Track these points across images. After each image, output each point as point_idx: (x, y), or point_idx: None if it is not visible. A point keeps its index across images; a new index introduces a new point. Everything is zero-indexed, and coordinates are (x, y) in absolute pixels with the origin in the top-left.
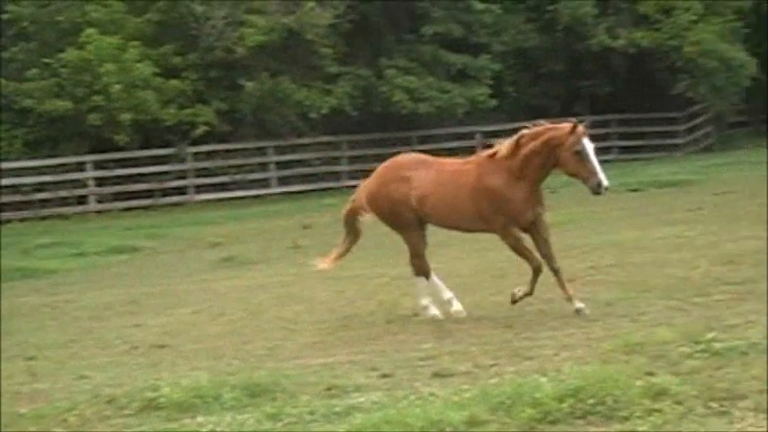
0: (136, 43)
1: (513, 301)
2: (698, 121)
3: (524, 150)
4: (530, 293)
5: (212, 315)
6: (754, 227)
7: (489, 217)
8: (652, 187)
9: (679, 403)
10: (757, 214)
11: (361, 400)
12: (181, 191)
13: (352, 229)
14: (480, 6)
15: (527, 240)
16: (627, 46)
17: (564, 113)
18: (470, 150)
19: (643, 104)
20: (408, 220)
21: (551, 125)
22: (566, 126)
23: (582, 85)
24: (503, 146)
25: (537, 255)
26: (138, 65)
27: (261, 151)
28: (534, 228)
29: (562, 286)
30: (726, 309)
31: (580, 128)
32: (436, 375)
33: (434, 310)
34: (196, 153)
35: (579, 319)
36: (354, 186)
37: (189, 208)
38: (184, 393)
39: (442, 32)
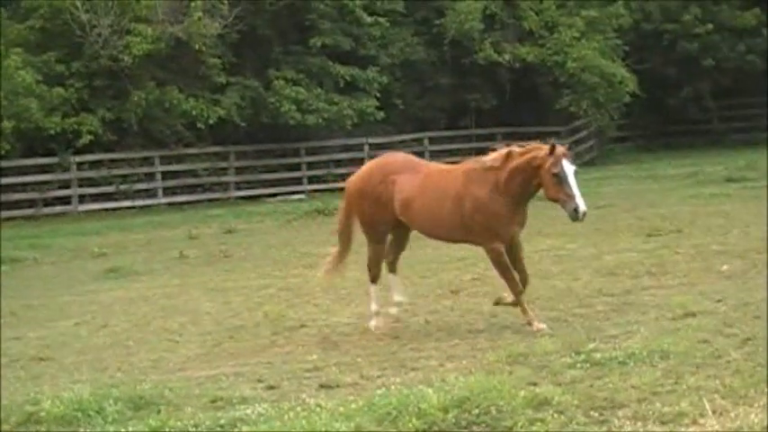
0: (18, 50)
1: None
2: (580, 135)
3: (510, 165)
4: (528, 317)
5: (96, 327)
6: (634, 239)
7: (473, 227)
8: (536, 200)
9: (561, 413)
10: (637, 227)
11: (248, 412)
12: (64, 201)
13: (347, 236)
14: (368, 19)
15: None
16: (512, 61)
17: (450, 126)
18: (359, 162)
19: (528, 118)
20: (381, 227)
21: (539, 145)
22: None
23: (468, 99)
24: (492, 156)
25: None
26: (21, 72)
27: (147, 161)
28: (511, 245)
29: (520, 305)
30: (606, 320)
31: (559, 149)
32: (322, 387)
33: (376, 322)
34: (80, 162)
35: (464, 330)
36: (242, 197)
37: (73, 218)
38: (66, 407)
39: (330, 44)
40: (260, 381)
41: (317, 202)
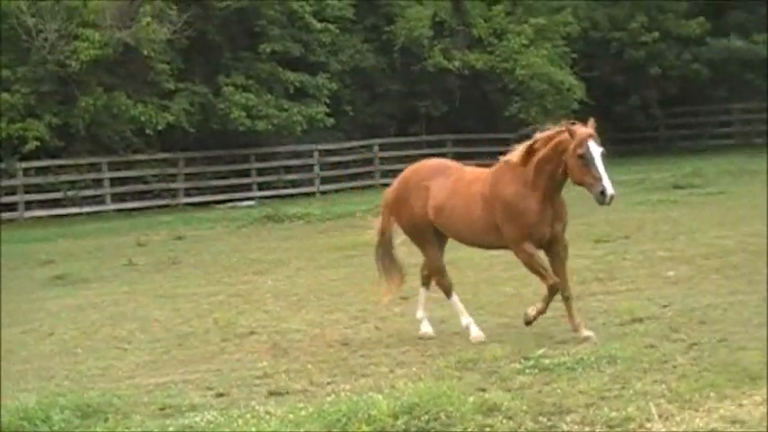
0: None
1: (527, 322)
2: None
3: (536, 157)
4: (543, 311)
5: (43, 334)
6: (582, 245)
7: (502, 229)
8: None
9: (509, 418)
10: (586, 233)
11: (197, 419)
12: (10, 207)
13: (385, 249)
14: (318, 26)
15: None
16: (462, 67)
17: (400, 133)
18: (309, 168)
19: (477, 125)
20: (426, 234)
21: (563, 128)
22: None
23: (418, 105)
24: (515, 152)
25: (552, 273)
26: None
27: (95, 167)
28: (551, 247)
29: (570, 315)
30: (555, 325)
31: (583, 129)
32: (272, 394)
33: (428, 327)
34: (27, 168)
35: (414, 337)
36: (191, 204)
37: (19, 225)
38: (11, 416)
39: (280, 51)
40: (209, 388)
41: (267, 209)
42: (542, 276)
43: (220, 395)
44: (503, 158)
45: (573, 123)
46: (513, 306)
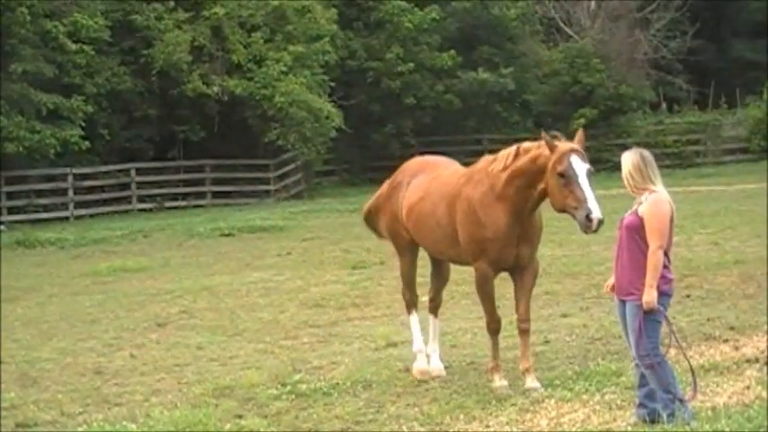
0: None
1: (497, 388)
2: (288, 168)
3: (513, 165)
4: (497, 367)
5: None
6: (339, 271)
7: (461, 238)
8: (244, 232)
9: None
10: (343, 259)
11: None
12: None
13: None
14: (73, 47)
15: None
16: (221, 93)
17: (158, 157)
18: (63, 192)
19: (236, 151)
20: (399, 239)
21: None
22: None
23: (176, 130)
24: (499, 157)
25: (496, 316)
26: None
27: None
28: (516, 272)
29: (523, 353)
30: (312, 351)
31: (564, 145)
32: (19, 426)
33: (424, 362)
34: None
35: (170, 364)
36: None
37: None
38: None
39: (32, 71)
40: None
41: (17, 234)
42: (484, 308)
43: None
44: (486, 157)
45: (554, 137)
46: (270, 332)
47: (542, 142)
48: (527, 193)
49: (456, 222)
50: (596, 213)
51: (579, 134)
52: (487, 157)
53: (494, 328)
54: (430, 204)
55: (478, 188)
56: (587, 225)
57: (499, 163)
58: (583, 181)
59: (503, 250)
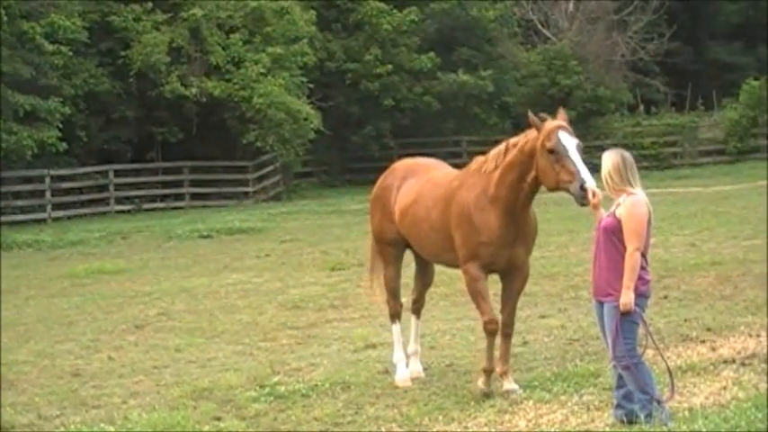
0: None
1: (486, 395)
2: (267, 170)
3: (504, 161)
4: (491, 369)
5: None
6: (318, 273)
7: (456, 242)
8: (223, 234)
9: None
10: (322, 261)
11: None
12: None
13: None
14: (50, 48)
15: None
16: (199, 94)
17: (136, 159)
18: (41, 194)
19: (215, 152)
20: (388, 245)
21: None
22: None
23: (155, 132)
24: (490, 157)
25: (490, 308)
26: None
27: None
28: (507, 273)
29: (502, 356)
30: (290, 352)
31: (550, 122)
32: None
33: (404, 372)
34: None
35: (149, 366)
36: None
37: None
38: None
39: (9, 72)
40: None
41: None
42: (479, 308)
43: None
44: (477, 158)
45: (542, 118)
46: (248, 334)
47: (528, 132)
48: (519, 187)
49: (451, 227)
50: (591, 183)
51: (561, 112)
52: (479, 158)
53: (491, 328)
54: (423, 209)
55: (472, 191)
56: (583, 195)
57: (491, 162)
58: (573, 154)
59: (496, 253)
